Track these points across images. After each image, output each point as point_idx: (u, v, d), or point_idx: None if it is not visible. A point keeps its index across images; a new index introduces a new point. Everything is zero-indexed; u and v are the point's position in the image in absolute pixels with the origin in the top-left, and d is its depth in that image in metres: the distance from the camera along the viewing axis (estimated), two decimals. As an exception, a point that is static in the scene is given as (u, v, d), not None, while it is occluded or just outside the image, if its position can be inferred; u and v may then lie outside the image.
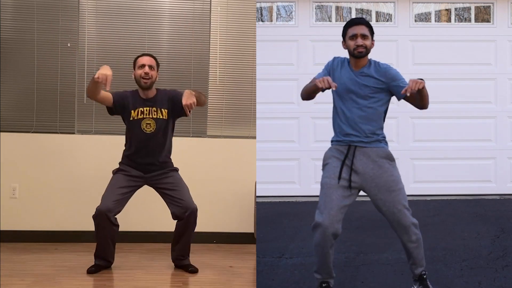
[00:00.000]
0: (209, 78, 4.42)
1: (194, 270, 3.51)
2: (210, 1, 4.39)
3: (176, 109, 3.44)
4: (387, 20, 4.86)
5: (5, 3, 4.23)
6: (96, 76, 3.07)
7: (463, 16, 4.91)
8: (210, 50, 4.41)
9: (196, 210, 3.43)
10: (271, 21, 4.88)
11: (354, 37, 2.44)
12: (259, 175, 4.71)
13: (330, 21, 4.85)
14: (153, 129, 3.42)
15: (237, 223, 4.40)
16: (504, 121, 4.88)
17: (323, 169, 2.49)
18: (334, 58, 2.56)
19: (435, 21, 4.89)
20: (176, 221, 3.48)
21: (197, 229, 3.53)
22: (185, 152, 4.22)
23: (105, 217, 3.26)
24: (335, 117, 2.51)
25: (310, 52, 4.78)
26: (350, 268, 2.97)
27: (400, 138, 4.81)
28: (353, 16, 4.80)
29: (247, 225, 4.38)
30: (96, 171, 4.22)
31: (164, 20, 4.38)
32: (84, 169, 4.26)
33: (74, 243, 4.18)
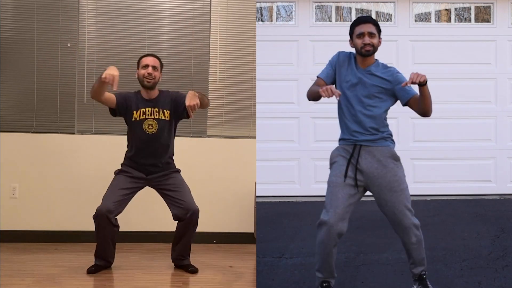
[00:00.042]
0: (209, 78, 4.42)
1: (194, 270, 3.51)
2: (210, 1, 4.39)
3: (179, 111, 3.44)
4: (387, 20, 4.86)
5: (5, 3, 4.23)
6: (103, 76, 3.05)
7: (463, 16, 4.91)
8: (210, 50, 4.41)
9: (198, 211, 3.42)
10: (271, 21, 4.88)
11: (361, 35, 2.44)
12: (259, 175, 4.71)
13: (330, 21, 4.85)
14: (155, 129, 3.42)
15: (237, 223, 4.40)
16: (504, 121, 4.88)
17: (330, 168, 2.49)
18: (339, 53, 2.55)
19: (435, 21, 4.89)
20: (177, 221, 3.48)
21: (197, 229, 3.53)
22: (185, 152, 4.22)
23: (105, 217, 3.26)
24: (340, 115, 2.51)
25: (310, 52, 4.78)
26: (350, 268, 2.96)
27: (400, 138, 4.81)
28: (353, 16, 4.80)
29: (247, 225, 4.38)
30: (96, 171, 4.22)
31: (164, 20, 4.38)
32: (84, 169, 4.26)
33: (74, 243, 4.18)
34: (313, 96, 2.47)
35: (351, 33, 2.50)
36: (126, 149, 3.53)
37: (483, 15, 4.92)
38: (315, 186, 4.76)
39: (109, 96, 3.34)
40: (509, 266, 2.95)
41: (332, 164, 2.49)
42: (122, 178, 3.43)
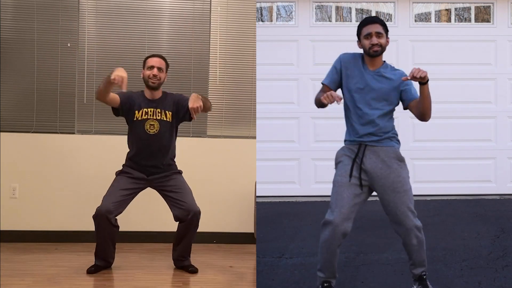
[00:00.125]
0: (209, 78, 4.42)
1: (194, 270, 3.51)
2: (210, 1, 4.39)
3: (181, 113, 3.45)
4: (387, 20, 4.86)
5: (5, 3, 4.23)
6: (112, 77, 3.02)
7: (463, 16, 4.91)
8: (210, 50, 4.41)
9: (199, 213, 3.42)
10: (271, 21, 4.88)
11: (369, 36, 2.44)
12: (259, 175, 4.71)
13: (330, 21, 4.85)
14: (156, 130, 3.42)
15: (237, 223, 4.40)
16: (504, 121, 4.88)
17: (335, 168, 2.49)
18: (342, 55, 2.53)
19: (435, 21, 4.89)
20: (177, 222, 3.48)
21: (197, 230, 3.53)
22: (185, 152, 4.22)
23: (105, 218, 3.26)
24: (347, 117, 2.51)
25: (310, 52, 4.78)
26: (350, 268, 2.96)
27: (400, 138, 4.71)
28: (353, 16, 4.79)
29: (247, 225, 4.38)
30: (96, 171, 4.22)
31: (164, 20, 4.38)
32: (84, 169, 4.26)
33: (74, 243, 4.18)
34: (319, 104, 2.46)
35: (358, 34, 2.49)
36: (127, 149, 3.53)
37: (483, 15, 4.92)
38: (315, 186, 4.76)
39: (113, 96, 3.34)
40: (509, 266, 2.95)
41: (337, 163, 2.49)
42: (122, 179, 3.43)
